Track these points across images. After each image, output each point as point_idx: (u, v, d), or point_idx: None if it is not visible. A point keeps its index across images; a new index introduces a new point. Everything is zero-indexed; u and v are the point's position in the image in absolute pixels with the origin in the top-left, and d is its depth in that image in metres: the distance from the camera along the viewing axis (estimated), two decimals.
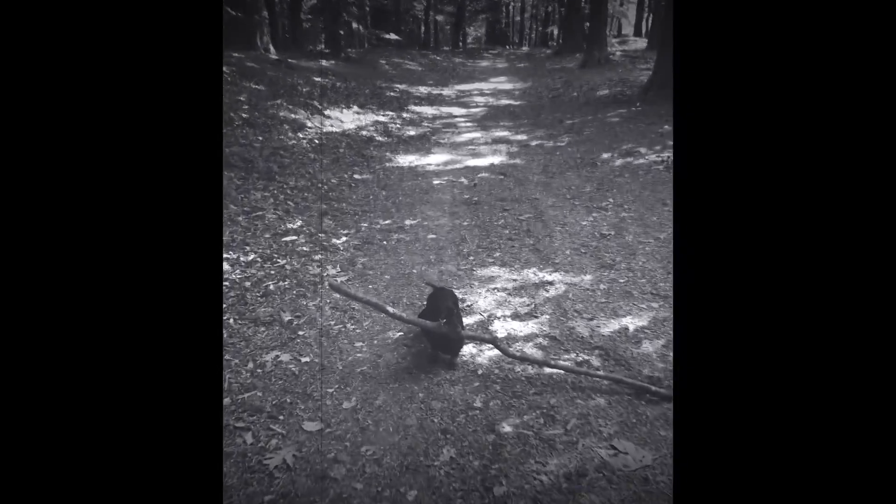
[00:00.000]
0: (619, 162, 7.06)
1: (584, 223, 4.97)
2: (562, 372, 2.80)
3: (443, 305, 2.78)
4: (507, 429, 2.45)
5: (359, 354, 3.07)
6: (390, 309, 2.74)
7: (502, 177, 6.63)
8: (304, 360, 3.02)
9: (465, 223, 5.11)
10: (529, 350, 3.05)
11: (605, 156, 7.39)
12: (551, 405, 2.59)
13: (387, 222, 5.18)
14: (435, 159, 7.67)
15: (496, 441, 2.38)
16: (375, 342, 3.19)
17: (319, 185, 6.19)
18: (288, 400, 2.69)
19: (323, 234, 4.78)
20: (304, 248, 4.47)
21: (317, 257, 4.32)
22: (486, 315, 3.44)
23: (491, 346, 2.96)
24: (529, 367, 2.87)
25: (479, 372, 2.87)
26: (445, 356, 2.94)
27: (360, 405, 2.65)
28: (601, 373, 2.76)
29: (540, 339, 3.15)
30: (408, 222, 5.17)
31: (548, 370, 2.83)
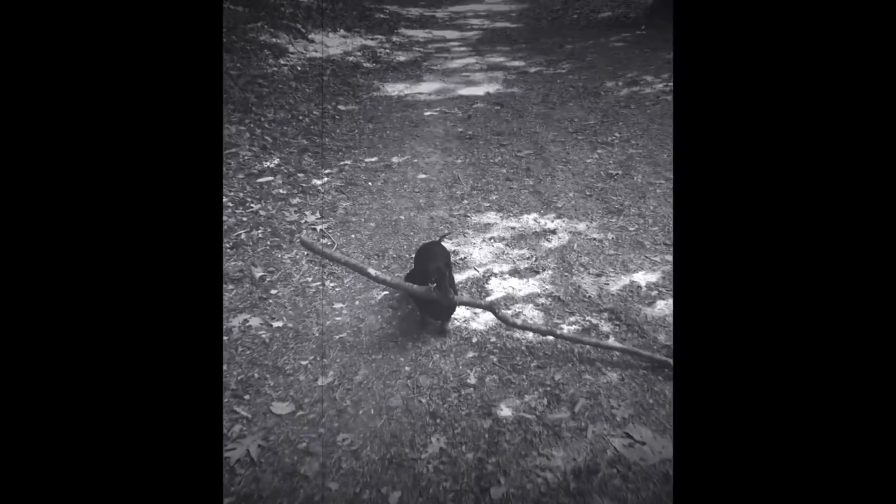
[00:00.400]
0: (624, 91, 6.55)
1: (588, 161, 4.55)
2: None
3: (432, 266, 2.41)
4: (506, 412, 2.13)
5: (338, 318, 2.72)
6: (372, 271, 2.38)
7: (499, 107, 6.14)
8: (276, 324, 2.68)
9: (459, 161, 4.69)
10: (530, 313, 2.71)
11: (609, 84, 6.87)
12: (556, 382, 2.27)
13: (373, 160, 4.75)
14: (426, 88, 7.14)
15: (493, 427, 2.06)
16: (357, 303, 2.84)
17: (301, 117, 5.70)
18: (256, 375, 2.36)
19: (302, 174, 4.35)
20: (281, 191, 4.06)
21: (294, 201, 3.92)
22: (481, 271, 3.08)
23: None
24: (531, 333, 2.54)
25: (474, 340, 2.54)
26: (436, 322, 2.60)
27: (338, 381, 2.32)
28: (613, 343, 2.42)
29: (542, 300, 2.80)
30: (395, 160, 4.73)
31: (552, 337, 2.50)
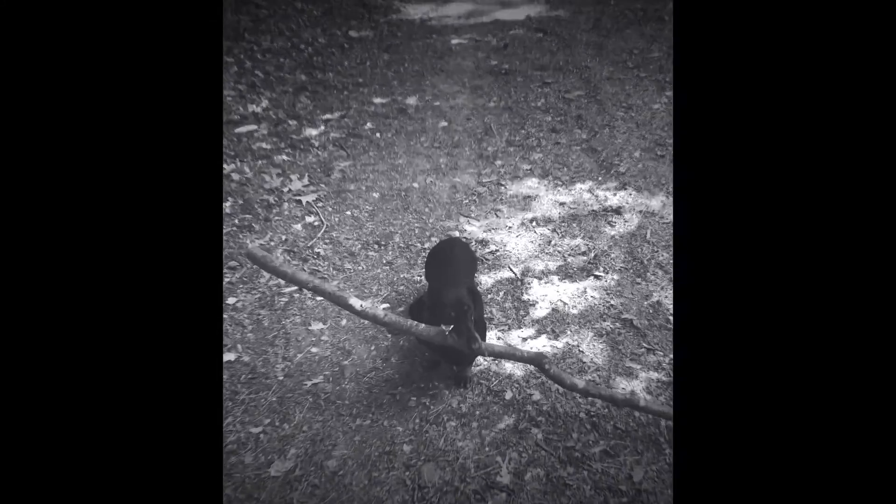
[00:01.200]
0: None
1: (655, 106, 3.58)
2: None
3: (450, 295, 1.57)
4: None
5: (314, 349, 1.92)
6: (357, 302, 1.54)
7: (541, 35, 5.10)
8: (227, 357, 1.89)
9: (492, 104, 3.75)
10: (589, 348, 1.87)
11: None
12: (637, 485, 1.45)
13: (384, 101, 3.83)
14: (454, 10, 6.08)
15: None
16: (344, 323, 2.03)
17: (302, 46, 4.76)
18: None
19: (294, 122, 3.48)
20: (265, 146, 3.20)
21: (279, 159, 3.06)
22: (518, 270, 2.23)
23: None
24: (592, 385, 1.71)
25: (508, 395, 1.72)
26: (452, 367, 1.78)
27: (301, 469, 1.54)
28: None
29: (607, 324, 1.96)
30: (412, 101, 3.81)
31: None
